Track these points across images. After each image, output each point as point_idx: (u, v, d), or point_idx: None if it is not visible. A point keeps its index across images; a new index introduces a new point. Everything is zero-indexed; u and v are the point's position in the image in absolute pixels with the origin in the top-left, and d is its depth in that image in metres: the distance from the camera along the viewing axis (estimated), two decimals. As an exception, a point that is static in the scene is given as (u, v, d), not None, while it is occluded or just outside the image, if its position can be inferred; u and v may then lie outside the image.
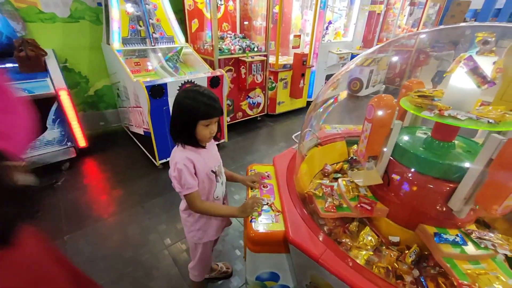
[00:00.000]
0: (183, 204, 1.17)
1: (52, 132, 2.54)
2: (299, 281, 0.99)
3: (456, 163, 0.87)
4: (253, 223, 0.98)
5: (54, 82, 2.42)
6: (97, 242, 1.86)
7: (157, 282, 1.60)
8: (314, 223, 0.96)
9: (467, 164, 0.86)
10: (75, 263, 1.68)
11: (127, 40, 2.86)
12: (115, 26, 2.71)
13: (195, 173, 1.04)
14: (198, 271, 1.31)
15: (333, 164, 1.48)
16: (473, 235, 0.88)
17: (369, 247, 0.97)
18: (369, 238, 0.99)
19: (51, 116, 2.48)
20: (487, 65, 0.82)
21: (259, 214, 1.01)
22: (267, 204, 1.07)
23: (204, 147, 1.08)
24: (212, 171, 1.11)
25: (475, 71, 0.81)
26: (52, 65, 2.54)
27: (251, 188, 1.19)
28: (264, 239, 0.94)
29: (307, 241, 0.87)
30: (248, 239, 0.96)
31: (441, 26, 1.22)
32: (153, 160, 2.76)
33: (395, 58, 4.78)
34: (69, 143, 2.68)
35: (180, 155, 1.01)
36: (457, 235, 0.88)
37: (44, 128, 2.48)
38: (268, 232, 0.94)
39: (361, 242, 0.98)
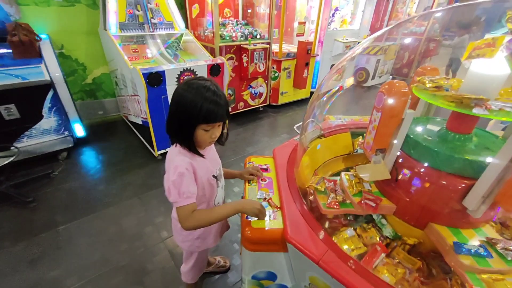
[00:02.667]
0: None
1: (49, 121, 2.49)
2: (297, 282, 0.92)
3: (474, 158, 0.79)
4: (249, 220, 0.91)
5: (49, 69, 2.35)
6: (92, 234, 1.82)
7: (152, 276, 1.56)
8: (315, 221, 0.88)
9: (487, 159, 0.77)
10: (68, 255, 1.67)
11: (125, 26, 2.75)
12: (111, 10, 2.60)
13: (195, 180, 0.89)
14: (192, 276, 1.23)
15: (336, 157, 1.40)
16: (498, 245, 0.79)
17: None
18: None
19: (47, 104, 2.42)
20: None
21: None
22: (265, 199, 1.00)
23: (201, 155, 0.92)
24: (214, 176, 0.98)
25: None
26: (47, 51, 2.45)
27: (249, 181, 1.11)
28: (260, 238, 0.87)
29: (307, 241, 0.80)
30: (244, 237, 0.89)
31: (456, 4, 1.10)
32: (151, 150, 2.70)
33: (403, 47, 4.61)
34: (66, 132, 2.63)
35: (182, 159, 0.86)
36: (480, 246, 0.79)
37: (40, 117, 2.42)
38: (265, 230, 0.87)
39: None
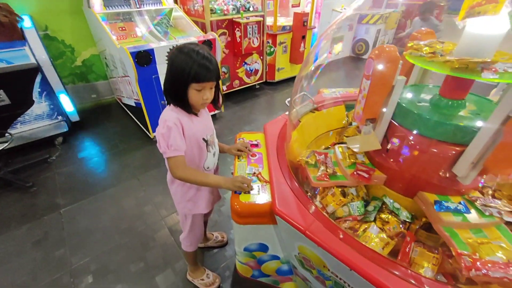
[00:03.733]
0: (170, 175, 1.09)
1: (40, 106, 2.45)
2: (288, 252, 0.94)
3: (465, 123, 0.76)
4: (238, 195, 0.91)
5: (35, 51, 2.26)
6: (93, 215, 1.87)
7: (153, 252, 1.61)
8: (303, 193, 0.89)
9: (478, 124, 0.75)
10: (72, 235, 1.72)
11: (109, 2, 2.61)
12: (93, -15, 2.46)
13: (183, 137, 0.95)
14: (190, 242, 1.28)
15: (329, 131, 1.38)
16: (477, 202, 0.80)
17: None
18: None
19: (36, 89, 2.37)
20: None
21: (249, 192, 0.93)
22: (254, 173, 0.99)
23: (196, 114, 0.98)
24: (204, 139, 1.02)
25: None
26: (30, 32, 2.35)
27: (238, 157, 1.10)
28: (249, 211, 0.88)
29: (294, 213, 0.80)
30: (233, 211, 0.90)
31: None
32: (146, 132, 2.68)
33: (405, 14, 4.38)
34: (60, 117, 2.60)
35: (171, 114, 0.92)
36: (459, 203, 0.80)
37: (31, 102, 2.38)
38: (254, 204, 0.88)
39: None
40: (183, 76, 0.86)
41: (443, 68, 0.75)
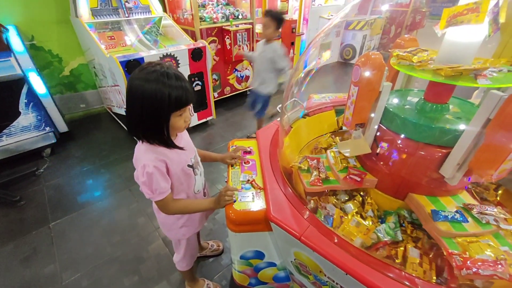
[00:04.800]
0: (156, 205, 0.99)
1: (27, 117, 2.39)
2: (284, 258, 0.95)
3: (450, 127, 0.79)
4: (232, 203, 0.91)
5: (20, 62, 2.22)
6: (84, 228, 1.82)
7: (147, 264, 1.58)
8: (297, 199, 0.89)
9: (461, 127, 0.78)
10: (62, 250, 1.67)
11: (97, 12, 2.60)
12: (81, -5, 2.44)
13: (168, 173, 0.88)
14: (186, 263, 1.23)
15: (320, 136, 1.40)
16: (474, 210, 0.81)
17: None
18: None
19: (22, 100, 2.31)
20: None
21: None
22: (248, 181, 1.00)
23: (176, 146, 0.87)
24: (189, 165, 0.96)
25: (495, 18, 0.68)
26: (16, 43, 2.31)
27: (232, 166, 1.10)
28: (244, 219, 0.88)
29: (288, 219, 0.81)
30: (228, 220, 0.90)
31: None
32: (137, 141, 2.65)
33: (389, 20, 4.54)
34: (47, 128, 2.54)
35: (147, 156, 0.82)
36: (456, 212, 0.81)
37: (17, 114, 2.32)
38: (248, 211, 0.88)
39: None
40: (162, 107, 0.75)
41: (435, 76, 0.76)
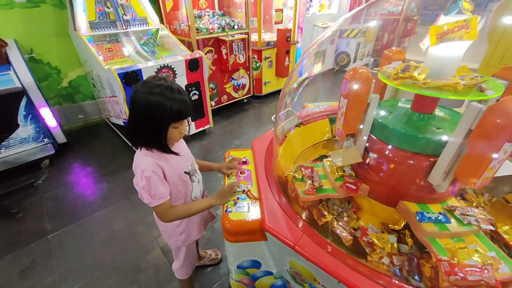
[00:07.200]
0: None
1: (26, 129, 2.41)
2: (280, 267, 0.97)
3: (435, 137, 0.83)
4: (228, 213, 0.94)
5: (19, 75, 2.26)
6: (83, 239, 1.83)
7: (146, 274, 1.59)
8: (292, 209, 0.92)
9: (446, 137, 0.82)
10: (61, 261, 1.67)
11: (95, 25, 2.65)
12: (79, 9, 2.50)
13: (165, 179, 0.92)
14: (185, 270, 1.25)
15: (315, 144, 1.43)
16: (456, 212, 0.85)
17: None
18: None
19: (21, 112, 2.34)
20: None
21: (235, 203, 0.96)
22: (244, 191, 1.02)
23: (173, 152, 0.93)
24: (185, 172, 1.00)
25: None
26: (15, 56, 2.35)
27: (228, 176, 1.13)
28: (240, 229, 0.90)
29: (283, 229, 0.83)
30: (225, 230, 0.92)
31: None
32: (136, 151, 2.67)
33: (382, 28, 4.64)
34: (46, 139, 2.56)
35: (146, 161, 0.87)
36: (440, 213, 0.85)
37: (16, 126, 2.34)
38: (244, 221, 0.90)
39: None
40: (163, 118, 0.82)
41: (440, 92, 0.76)
